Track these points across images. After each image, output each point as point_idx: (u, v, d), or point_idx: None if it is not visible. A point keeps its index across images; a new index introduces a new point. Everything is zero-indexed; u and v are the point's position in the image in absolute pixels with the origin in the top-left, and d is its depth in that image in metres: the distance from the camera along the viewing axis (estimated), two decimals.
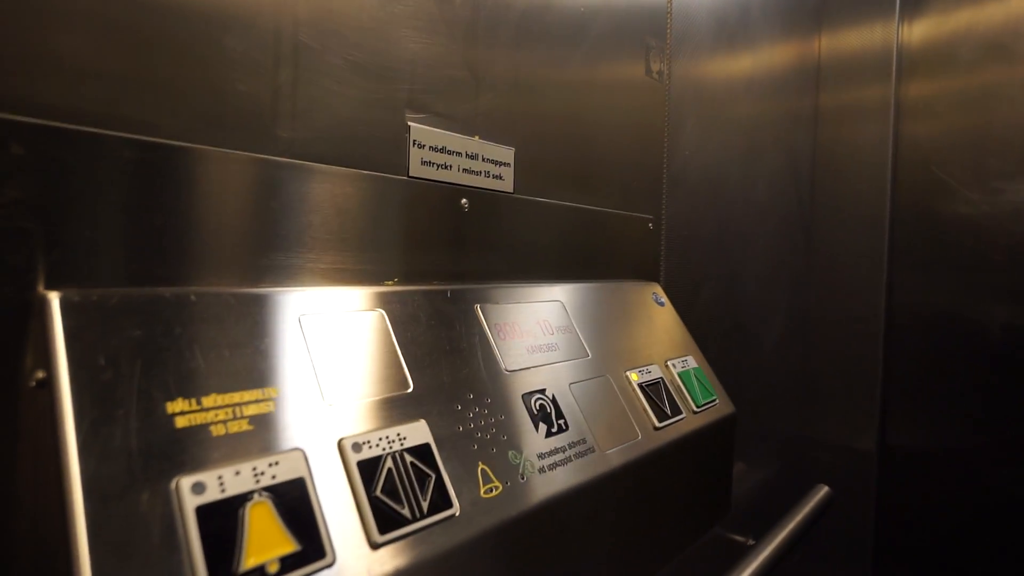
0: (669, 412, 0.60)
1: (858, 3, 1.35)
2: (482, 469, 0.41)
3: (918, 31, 1.30)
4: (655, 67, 0.80)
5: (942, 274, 1.27)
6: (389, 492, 0.35)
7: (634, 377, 0.59)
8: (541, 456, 0.45)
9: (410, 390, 0.41)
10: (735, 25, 1.02)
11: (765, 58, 1.14)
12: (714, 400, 0.67)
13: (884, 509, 1.35)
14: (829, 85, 1.38)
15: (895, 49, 1.31)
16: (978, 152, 1.23)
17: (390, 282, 0.47)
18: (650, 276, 0.80)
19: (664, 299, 0.75)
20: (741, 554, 0.97)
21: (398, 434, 0.38)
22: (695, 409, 0.64)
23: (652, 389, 0.60)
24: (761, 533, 1.07)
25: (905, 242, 1.31)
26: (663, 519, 0.59)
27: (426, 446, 0.39)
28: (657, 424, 0.57)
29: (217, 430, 0.31)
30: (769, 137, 1.18)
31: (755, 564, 0.94)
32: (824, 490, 1.25)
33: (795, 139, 1.31)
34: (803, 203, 1.35)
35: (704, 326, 0.97)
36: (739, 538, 1.11)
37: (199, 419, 0.31)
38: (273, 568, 0.29)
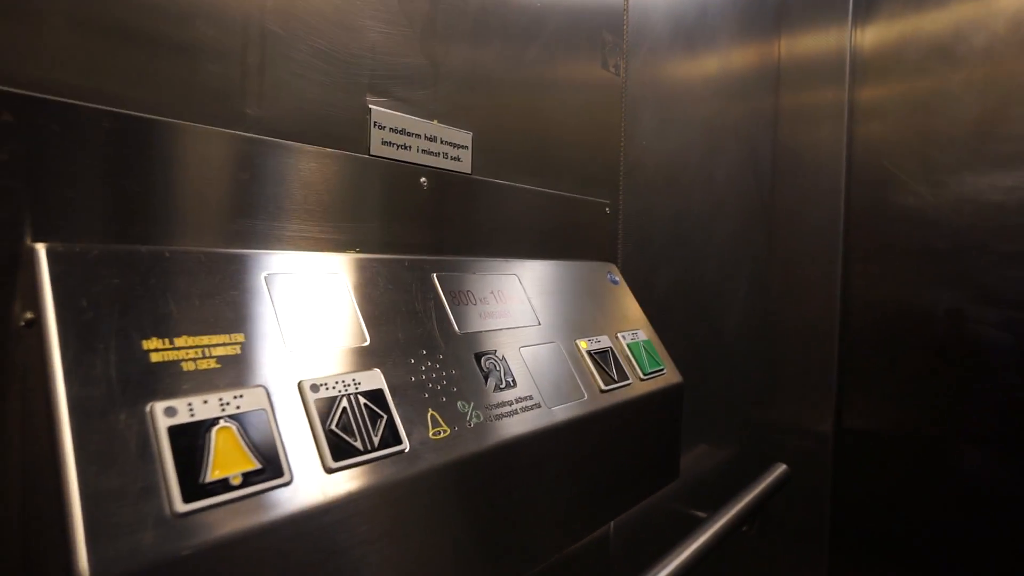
0: (616, 377, 0.65)
1: (814, 9, 1.42)
2: (432, 415, 0.45)
3: (870, 36, 1.37)
4: (611, 62, 0.86)
5: (893, 263, 1.35)
6: (343, 427, 0.40)
7: (583, 345, 0.64)
8: (488, 407, 0.50)
9: (367, 343, 0.45)
10: (693, 25, 1.07)
11: (725, 58, 1.20)
12: (661, 369, 0.73)
13: (840, 488, 1.42)
14: (789, 87, 1.44)
15: (848, 53, 1.38)
16: (924, 149, 1.30)
17: (352, 251, 0.51)
18: (607, 257, 0.85)
19: (619, 278, 0.80)
20: (696, 524, 1.03)
21: (354, 379, 0.42)
22: (642, 377, 0.69)
23: (600, 356, 0.65)
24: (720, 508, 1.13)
25: (859, 234, 1.38)
26: (608, 477, 0.64)
27: (379, 391, 0.43)
28: (603, 387, 0.62)
29: (188, 366, 0.35)
30: (730, 135, 1.24)
31: (708, 533, 1.00)
32: (781, 468, 1.32)
33: (757, 137, 1.37)
34: (764, 197, 1.41)
35: (665, 307, 1.02)
36: (700, 514, 1.16)
37: (172, 356, 0.35)
38: (236, 481, 0.33)
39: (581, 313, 0.68)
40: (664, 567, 0.88)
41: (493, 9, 0.66)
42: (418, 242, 0.58)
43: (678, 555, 0.92)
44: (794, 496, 1.42)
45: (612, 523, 0.88)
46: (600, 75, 0.84)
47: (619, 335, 0.70)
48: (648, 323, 0.78)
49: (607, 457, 0.63)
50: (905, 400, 1.33)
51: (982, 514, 1.24)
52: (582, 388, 0.60)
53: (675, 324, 1.06)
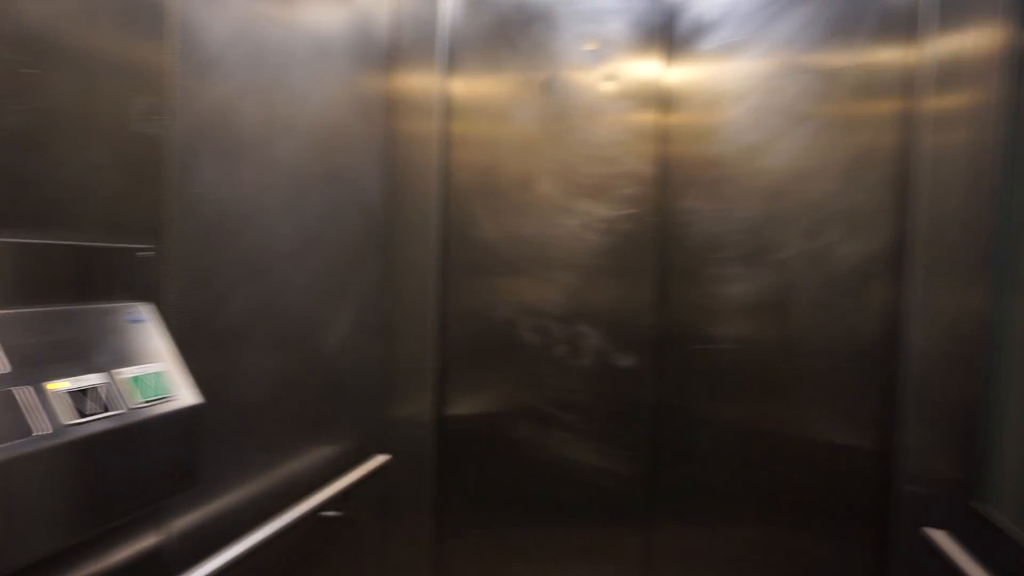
0: (94, 410, 0.75)
1: (414, 56, 1.69)
2: None
3: (457, 88, 1.72)
4: (151, 119, 0.95)
5: (476, 275, 1.71)
6: None
7: (57, 385, 0.73)
8: None
9: None
10: (274, 72, 1.23)
11: (321, 105, 1.39)
12: (167, 396, 0.85)
13: (443, 465, 1.75)
14: (399, 118, 1.71)
15: (439, 98, 1.70)
16: (490, 194, 1.69)
17: None
18: (144, 298, 0.94)
19: (145, 317, 0.90)
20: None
21: None
22: (134, 406, 0.81)
23: (79, 393, 0.75)
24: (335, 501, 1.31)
25: (451, 257, 1.72)
26: (104, 491, 0.74)
27: None
28: (72, 421, 0.72)
29: None
30: (326, 176, 1.44)
31: (284, 520, 1.17)
32: (381, 458, 1.57)
33: (364, 177, 1.60)
34: (376, 228, 1.66)
35: (239, 335, 1.16)
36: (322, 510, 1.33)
37: None
38: None
39: (71, 354, 0.76)
40: (226, 553, 1.02)
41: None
42: None
43: (246, 539, 1.07)
44: (409, 477, 1.70)
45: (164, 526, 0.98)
46: (133, 131, 0.93)
47: (118, 371, 0.81)
48: (173, 354, 0.90)
49: (98, 473, 0.73)
50: (484, 388, 1.71)
51: (527, 469, 1.68)
52: (40, 424, 0.69)
53: (256, 346, 1.21)
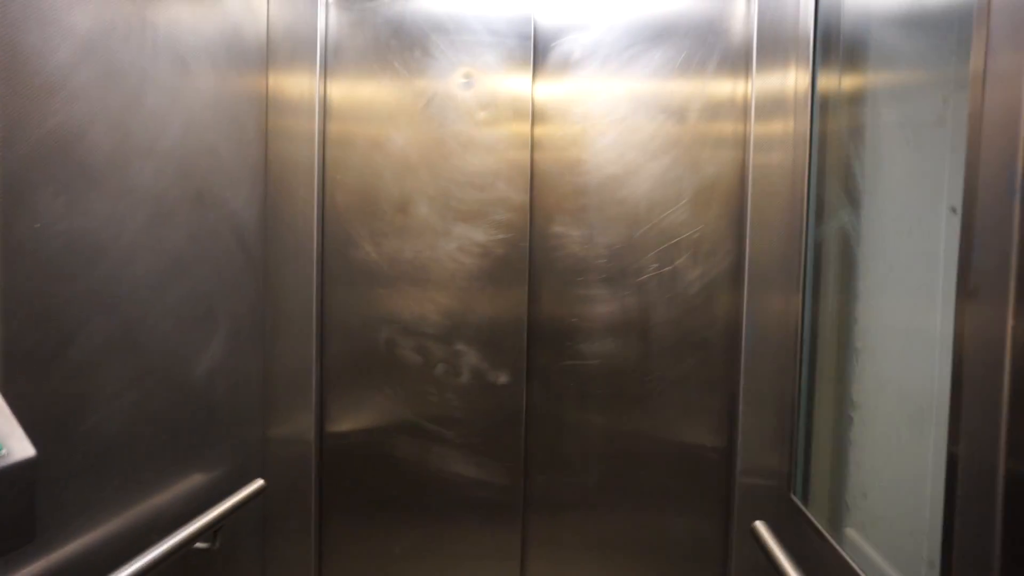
0: None
1: (292, 77, 1.68)
2: None
3: (336, 114, 1.72)
4: None
5: (357, 295, 1.73)
6: None
7: None
8: None
9: None
10: (131, 89, 1.18)
11: (175, 143, 1.35)
12: None
13: (326, 483, 1.75)
14: (275, 140, 1.69)
15: (317, 137, 1.70)
16: (369, 215, 1.71)
17: None
18: None
19: None
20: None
21: None
22: None
23: None
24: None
25: (333, 276, 1.73)
26: None
27: None
28: None
29: None
30: (189, 201, 1.40)
31: (160, 550, 1.14)
32: (261, 482, 1.56)
33: (234, 199, 1.57)
34: (251, 251, 1.63)
35: (89, 368, 1.11)
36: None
37: None
38: None
39: None
40: None
41: None
42: None
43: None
44: (290, 498, 1.70)
45: None
46: None
47: None
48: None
49: None
50: (367, 406, 1.74)
51: (410, 485, 1.73)
52: None
53: (113, 381, 1.17)
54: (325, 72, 1.69)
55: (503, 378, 1.69)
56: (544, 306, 1.69)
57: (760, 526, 1.41)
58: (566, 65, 1.67)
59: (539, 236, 1.69)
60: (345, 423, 1.75)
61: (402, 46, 1.68)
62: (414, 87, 1.68)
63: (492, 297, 1.68)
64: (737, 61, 1.62)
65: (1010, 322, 0.74)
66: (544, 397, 1.71)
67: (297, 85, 1.67)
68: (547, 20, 1.67)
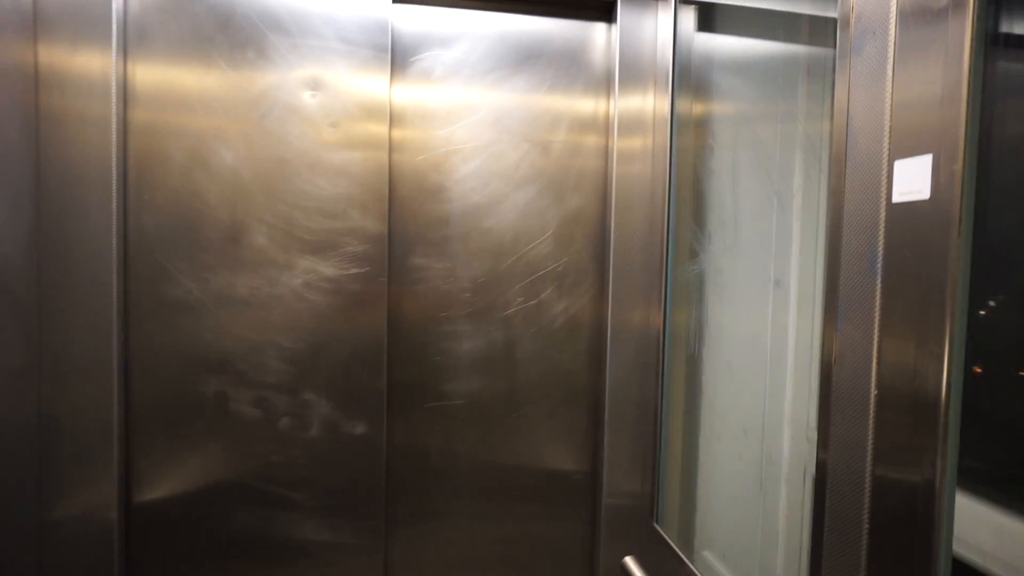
0: None
1: (75, 34, 1.33)
2: None
3: (143, 120, 1.39)
4: None
5: (176, 341, 1.42)
6: None
7: None
8: None
9: None
10: None
11: None
12: None
13: (133, 569, 1.43)
14: (56, 144, 1.32)
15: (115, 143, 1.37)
16: (192, 246, 1.42)
17: None
18: None
19: None
20: None
21: None
22: None
23: None
24: None
25: (141, 314, 1.41)
26: None
27: None
28: None
29: None
30: None
31: None
32: None
33: None
34: (9, 290, 1.26)
35: None
36: None
37: None
38: None
39: None
40: None
41: None
42: None
43: None
44: None
45: None
46: None
47: None
48: None
49: None
50: (190, 474, 1.45)
51: (249, 561, 1.48)
52: None
53: None
54: (125, 54, 1.37)
55: (360, 428, 1.51)
56: (405, 346, 1.55)
57: (630, 562, 1.42)
58: (428, 79, 1.54)
59: (398, 269, 1.53)
60: (160, 489, 1.44)
61: (231, 44, 1.42)
62: (248, 94, 1.43)
63: (346, 338, 1.49)
64: (599, 89, 1.62)
65: (876, 339, 0.78)
66: (406, 444, 1.57)
67: (85, 63, 1.32)
68: (408, 26, 1.52)
